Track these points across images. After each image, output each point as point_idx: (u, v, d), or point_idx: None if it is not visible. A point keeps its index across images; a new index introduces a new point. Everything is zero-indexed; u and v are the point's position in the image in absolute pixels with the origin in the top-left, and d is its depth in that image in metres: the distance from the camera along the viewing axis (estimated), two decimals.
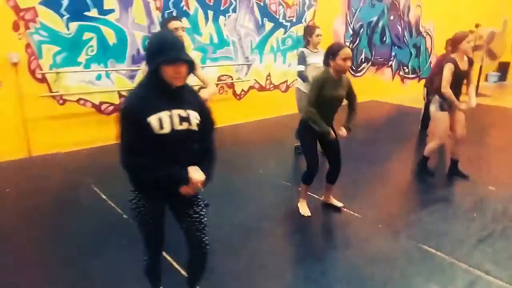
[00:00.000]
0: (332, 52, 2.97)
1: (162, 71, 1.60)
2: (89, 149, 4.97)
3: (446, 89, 3.87)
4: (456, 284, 2.50)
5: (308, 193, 3.50)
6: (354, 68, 7.96)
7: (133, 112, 1.63)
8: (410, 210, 3.63)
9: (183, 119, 1.69)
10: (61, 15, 4.57)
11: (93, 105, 5.07)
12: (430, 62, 9.58)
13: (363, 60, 8.15)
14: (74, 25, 4.67)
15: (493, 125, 6.85)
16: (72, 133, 4.91)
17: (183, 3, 5.50)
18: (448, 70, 3.85)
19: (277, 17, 6.52)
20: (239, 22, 6.10)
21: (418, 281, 2.53)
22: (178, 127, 1.68)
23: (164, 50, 1.58)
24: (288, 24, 6.70)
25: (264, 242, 3.01)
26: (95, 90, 5.01)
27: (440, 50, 9.20)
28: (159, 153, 1.68)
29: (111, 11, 4.92)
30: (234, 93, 6.38)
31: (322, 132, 3.09)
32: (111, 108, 5.22)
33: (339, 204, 3.53)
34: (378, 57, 8.37)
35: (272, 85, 6.81)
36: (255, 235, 3.10)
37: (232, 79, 6.26)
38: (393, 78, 9.03)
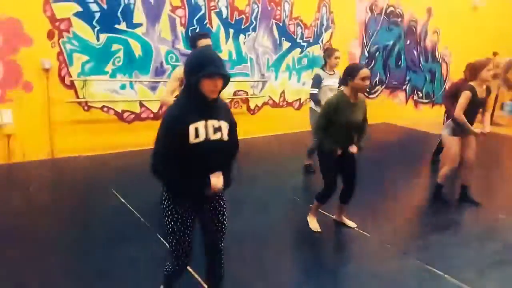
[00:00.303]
0: (351, 72, 3.03)
1: (201, 85, 1.73)
2: (109, 154, 5.16)
3: (459, 115, 3.95)
4: None
5: (319, 210, 3.59)
6: (368, 90, 8.08)
7: (174, 121, 1.75)
8: (419, 233, 3.69)
9: (216, 130, 1.83)
10: (93, 27, 4.83)
11: (116, 113, 5.28)
12: (445, 89, 9.65)
13: (377, 82, 8.27)
14: (103, 37, 4.93)
15: (506, 154, 6.86)
16: (95, 138, 5.11)
17: (206, 20, 5.73)
18: (465, 98, 3.92)
19: (295, 37, 6.72)
20: (258, 41, 6.31)
21: None
22: (212, 137, 1.81)
23: (205, 65, 1.71)
24: (305, 44, 6.89)
25: (272, 253, 3.11)
26: (119, 99, 5.22)
27: (455, 76, 9.31)
28: (193, 161, 1.80)
29: (139, 25, 5.17)
30: (248, 108, 6.55)
31: (330, 148, 3.17)
32: (132, 116, 5.43)
33: (352, 224, 3.58)
34: (392, 81, 8.49)
35: (285, 102, 6.97)
36: (263, 245, 3.20)
37: (247, 95, 6.44)
38: (406, 102, 9.11)
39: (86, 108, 5.04)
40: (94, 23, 4.83)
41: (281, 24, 6.48)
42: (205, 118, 1.79)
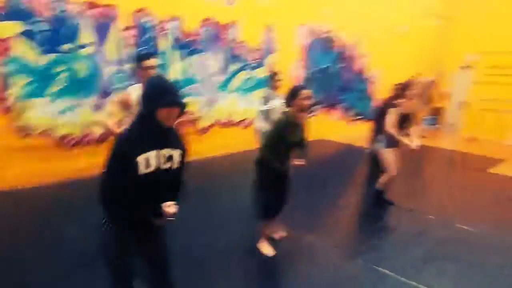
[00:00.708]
0: (294, 93, 3.19)
1: (158, 114, 1.76)
2: (51, 183, 4.81)
3: (390, 128, 4.43)
4: None
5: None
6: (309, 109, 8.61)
7: (124, 152, 1.76)
8: (364, 236, 4.09)
9: (168, 159, 1.86)
10: (35, 47, 4.67)
11: (57, 138, 5.06)
12: (372, 106, 10.58)
13: (316, 102, 8.86)
14: (47, 57, 4.78)
15: (429, 163, 7.71)
16: (34, 166, 4.79)
17: (155, 41, 5.82)
18: (392, 113, 4.44)
19: (241, 59, 7.03)
20: (206, 62, 6.51)
21: None
22: (163, 166, 1.84)
23: (163, 94, 1.75)
24: (251, 66, 7.23)
25: (226, 267, 3.26)
26: (61, 123, 5.03)
27: (383, 95, 10.25)
28: (141, 189, 1.82)
29: (86, 45, 5.10)
30: (197, 128, 6.66)
31: (279, 170, 3.25)
32: (74, 141, 5.24)
33: (280, 235, 3.75)
34: (329, 100, 9.16)
35: (234, 122, 7.20)
36: (217, 260, 3.35)
37: (196, 115, 6.56)
38: (341, 119, 9.84)
39: (24, 134, 4.76)
40: (36, 43, 4.68)
41: (228, 47, 6.76)
42: (158, 148, 1.82)
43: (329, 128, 9.03)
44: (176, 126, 1.94)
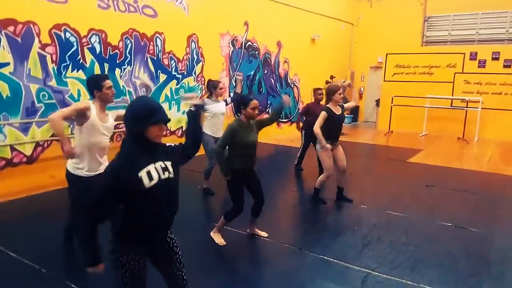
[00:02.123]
0: (243, 103, 3.63)
1: (147, 131, 1.86)
2: None
3: (317, 129, 4.75)
4: (354, 282, 3.21)
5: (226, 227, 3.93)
6: (238, 115, 8.85)
7: (123, 171, 1.81)
8: (308, 230, 4.37)
9: (164, 169, 1.94)
10: None
11: None
12: (298, 109, 11.20)
13: (235, 111, 9.14)
14: None
15: (355, 157, 8.38)
16: None
17: (79, 56, 5.59)
18: (321, 117, 4.77)
19: (170, 70, 7.03)
20: (134, 74, 6.40)
21: (328, 286, 3.17)
22: (163, 176, 1.92)
23: (152, 113, 1.86)
24: (180, 76, 7.26)
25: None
26: None
27: (305, 98, 10.92)
28: (151, 205, 1.90)
29: (5, 64, 4.75)
30: None
31: (223, 172, 3.64)
32: (2, 163, 4.86)
33: (264, 234, 3.99)
34: (259, 106, 9.52)
35: (168, 131, 7.16)
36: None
37: None
38: None
39: None
40: None
41: (155, 58, 6.71)
42: (153, 162, 1.91)
43: (260, 132, 9.35)
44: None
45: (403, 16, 12.55)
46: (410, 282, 3.19)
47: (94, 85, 3.12)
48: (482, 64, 10.77)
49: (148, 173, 1.87)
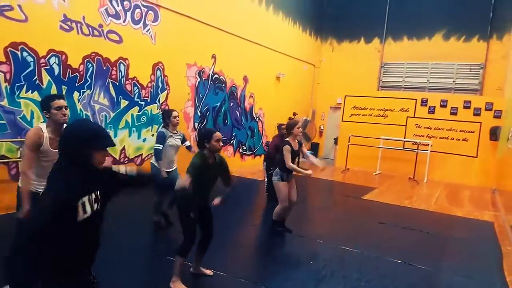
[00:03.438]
0: (206, 136, 3.41)
1: (91, 156, 1.74)
2: None
3: (289, 164, 4.87)
4: None
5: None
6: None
7: (64, 199, 1.66)
8: (264, 264, 4.32)
9: (95, 200, 1.79)
10: None
11: None
12: (262, 142, 11.34)
13: (199, 143, 9.13)
14: None
15: (312, 192, 8.51)
16: None
17: (36, 77, 5.40)
18: (286, 151, 4.90)
19: (132, 96, 6.94)
20: (93, 98, 6.25)
21: None
22: (95, 208, 1.78)
23: (98, 138, 1.76)
24: (143, 103, 7.17)
25: None
26: None
27: (269, 132, 11.11)
28: (80, 238, 1.76)
29: None
30: None
31: (191, 211, 3.43)
32: None
33: (209, 272, 3.80)
34: (223, 137, 9.54)
35: (126, 159, 6.95)
36: None
37: None
38: (234, 154, 10.28)
39: None
40: None
41: (117, 84, 6.61)
42: (88, 191, 1.77)
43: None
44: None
45: (362, 61, 13.33)
46: None
47: (43, 105, 2.99)
48: (431, 110, 11.53)
49: (83, 204, 1.73)
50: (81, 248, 1.80)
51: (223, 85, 9.45)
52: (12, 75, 5.12)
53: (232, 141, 10.13)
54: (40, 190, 2.80)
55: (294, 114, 12.12)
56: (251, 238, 5.36)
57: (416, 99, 11.72)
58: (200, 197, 3.50)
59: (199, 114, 8.74)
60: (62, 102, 2.98)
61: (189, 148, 5.22)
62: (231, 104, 9.85)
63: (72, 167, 1.73)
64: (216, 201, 3.56)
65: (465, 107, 11.10)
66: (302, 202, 7.16)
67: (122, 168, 2.11)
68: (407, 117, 11.75)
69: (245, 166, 10.49)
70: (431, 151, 10.99)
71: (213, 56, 8.94)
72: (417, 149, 11.07)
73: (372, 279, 4.02)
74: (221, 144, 3.50)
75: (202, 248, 3.71)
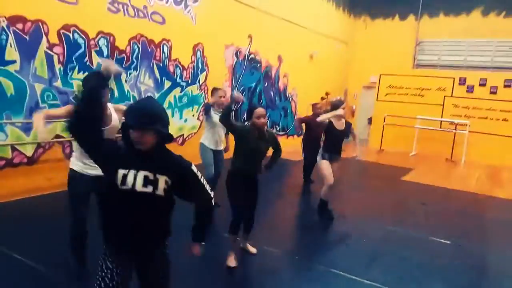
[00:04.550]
0: (249, 111, 3.55)
1: (128, 133, 1.73)
2: None
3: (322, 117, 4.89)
4: None
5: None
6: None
7: (108, 154, 1.76)
8: (316, 242, 4.40)
9: (148, 182, 1.72)
10: None
11: None
12: (295, 121, 11.33)
13: (245, 119, 9.20)
14: None
15: (352, 173, 8.48)
16: None
17: (86, 58, 5.55)
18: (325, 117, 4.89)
19: (174, 77, 7.04)
20: (139, 79, 6.39)
21: None
22: (141, 188, 1.72)
23: (127, 115, 1.74)
24: (185, 84, 7.27)
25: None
26: None
27: (302, 112, 11.06)
28: (117, 209, 1.76)
29: (12, 62, 4.67)
30: None
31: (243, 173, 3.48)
32: (2, 162, 4.74)
33: (253, 250, 3.82)
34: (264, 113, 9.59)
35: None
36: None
37: None
38: None
39: None
40: None
41: (161, 65, 6.71)
42: (136, 168, 1.72)
43: None
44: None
45: (396, 38, 12.93)
46: None
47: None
48: (470, 89, 11.16)
49: (124, 176, 1.71)
50: (119, 223, 1.78)
51: (259, 65, 9.42)
52: (65, 56, 5.28)
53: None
54: (90, 173, 2.80)
55: (327, 93, 12.04)
56: (294, 216, 5.45)
57: (454, 78, 11.36)
58: (244, 166, 3.47)
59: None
60: None
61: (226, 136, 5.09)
62: (266, 84, 9.83)
63: (122, 139, 1.78)
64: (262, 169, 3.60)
65: (505, 86, 10.69)
66: (341, 182, 7.19)
67: (202, 182, 1.92)
68: (444, 96, 11.43)
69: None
70: (469, 131, 10.70)
71: (249, 36, 8.88)
72: (455, 129, 10.80)
73: (424, 259, 4.05)
74: (263, 120, 3.43)
75: (245, 230, 3.72)
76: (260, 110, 3.44)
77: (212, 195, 1.97)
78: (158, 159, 1.77)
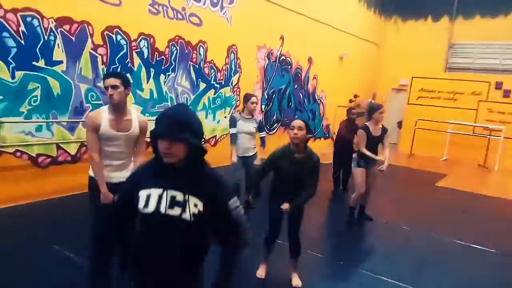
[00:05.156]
0: (288, 124, 3.18)
1: (156, 145, 1.49)
2: (27, 204, 4.51)
3: (362, 149, 4.74)
4: None
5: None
6: (268, 128, 8.88)
7: (129, 182, 1.63)
8: (357, 249, 4.34)
9: (176, 203, 1.47)
10: (8, 63, 4.28)
11: (30, 157, 4.66)
12: (322, 125, 11.23)
13: (274, 120, 9.18)
14: (19, 74, 4.40)
15: (381, 177, 8.34)
16: (7, 187, 4.40)
17: (128, 59, 5.64)
18: (361, 136, 4.76)
19: (209, 79, 7.08)
20: (177, 81, 6.45)
21: None
22: (166, 210, 1.47)
23: (156, 123, 1.49)
24: (218, 85, 7.30)
25: None
26: (34, 142, 4.64)
27: (329, 115, 10.97)
28: (138, 236, 1.56)
29: (59, 62, 4.79)
30: None
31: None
32: (48, 160, 4.86)
33: (297, 283, 3.31)
34: (286, 119, 9.54)
35: (203, 140, 7.15)
36: None
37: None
38: None
39: None
40: (9, 59, 4.29)
41: (197, 67, 6.76)
42: (164, 186, 1.49)
43: None
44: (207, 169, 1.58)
45: (428, 41, 12.65)
46: None
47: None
48: (506, 94, 10.82)
49: (147, 196, 1.50)
50: (144, 250, 1.53)
51: (289, 66, 9.38)
52: (108, 57, 5.38)
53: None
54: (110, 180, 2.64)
55: (355, 96, 11.89)
56: (326, 222, 5.39)
57: (489, 82, 11.03)
58: (281, 191, 3.18)
59: (266, 96, 8.76)
60: (109, 82, 2.60)
61: (262, 141, 5.02)
62: (295, 86, 9.78)
63: (154, 155, 1.54)
64: (285, 206, 3.10)
65: None
66: (376, 188, 7.08)
67: (241, 218, 1.59)
68: (479, 101, 11.12)
69: None
70: (504, 137, 10.37)
71: (281, 37, 8.85)
72: (489, 135, 10.49)
73: (470, 269, 3.94)
74: (296, 132, 3.03)
75: (289, 247, 3.36)
76: (297, 122, 3.08)
77: (247, 238, 1.60)
78: (190, 176, 1.49)
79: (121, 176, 2.64)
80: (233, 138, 4.79)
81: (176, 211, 1.46)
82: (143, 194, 1.49)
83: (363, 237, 4.80)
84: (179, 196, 1.46)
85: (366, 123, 4.91)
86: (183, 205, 1.45)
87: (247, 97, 4.86)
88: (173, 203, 1.46)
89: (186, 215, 1.45)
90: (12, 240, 3.62)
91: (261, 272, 3.43)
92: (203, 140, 1.55)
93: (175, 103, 6.36)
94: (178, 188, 1.47)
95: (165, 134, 1.44)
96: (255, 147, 4.95)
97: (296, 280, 3.32)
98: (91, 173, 2.72)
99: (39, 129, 4.71)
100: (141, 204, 1.48)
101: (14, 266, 3.16)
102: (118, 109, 2.63)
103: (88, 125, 2.66)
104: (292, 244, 3.32)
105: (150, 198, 1.48)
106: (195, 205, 1.46)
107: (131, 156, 2.79)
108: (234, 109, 7.72)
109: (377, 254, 4.19)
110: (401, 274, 3.66)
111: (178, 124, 1.45)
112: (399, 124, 12.54)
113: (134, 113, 2.76)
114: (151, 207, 1.47)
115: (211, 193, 1.50)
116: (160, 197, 1.47)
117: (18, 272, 3.10)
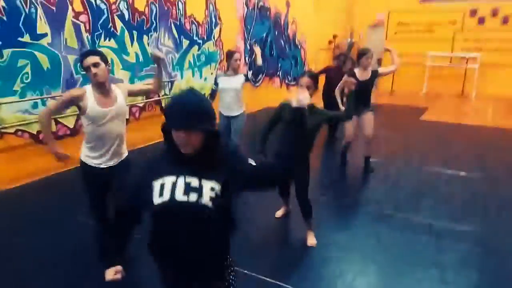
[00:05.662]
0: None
1: (171, 134, 1.42)
2: (35, 182, 4.59)
3: (335, 92, 4.88)
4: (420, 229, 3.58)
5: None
6: (254, 80, 8.89)
7: (141, 174, 1.55)
8: (361, 189, 4.67)
9: (191, 189, 1.42)
10: None
11: (31, 135, 4.66)
12: (305, 72, 11.27)
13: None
14: (7, 52, 4.27)
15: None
16: (13, 167, 4.45)
17: (110, 24, 5.47)
18: (342, 81, 4.73)
19: (191, 34, 6.95)
20: (160, 41, 6.32)
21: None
22: (181, 197, 1.42)
23: (169, 113, 1.42)
24: (201, 41, 7.19)
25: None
26: (33, 120, 4.61)
27: (310, 60, 10.99)
28: (157, 230, 1.52)
29: (44, 35, 4.63)
30: (162, 108, 6.55)
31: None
32: None
33: (311, 242, 3.31)
34: (270, 69, 9.55)
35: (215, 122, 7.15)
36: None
37: (159, 96, 6.43)
38: (281, 86, 10.36)
39: None
40: None
41: (178, 23, 6.60)
42: (177, 173, 1.44)
43: (272, 95, 9.45)
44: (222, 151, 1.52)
45: None
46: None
47: (80, 65, 2.61)
48: (481, 21, 11.02)
49: (161, 185, 1.44)
50: (162, 242, 1.52)
51: (268, 13, 9.20)
52: (91, 24, 5.21)
53: (278, 72, 10.13)
54: (100, 165, 2.63)
55: (334, 36, 11.89)
56: (328, 169, 5.73)
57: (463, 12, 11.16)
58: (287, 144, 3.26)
59: (248, 47, 8.68)
60: (89, 60, 2.49)
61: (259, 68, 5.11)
62: (276, 33, 9.67)
63: (166, 144, 1.49)
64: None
65: None
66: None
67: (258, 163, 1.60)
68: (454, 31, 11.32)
69: (291, 97, 10.59)
70: (480, 64, 10.73)
71: None
72: (466, 63, 10.83)
73: (466, 197, 4.36)
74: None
75: (301, 210, 3.35)
76: (304, 79, 3.17)
77: (284, 168, 1.70)
78: (204, 160, 1.44)
79: (118, 160, 2.71)
80: (213, 94, 4.87)
81: (192, 197, 1.41)
82: (156, 184, 1.44)
83: (358, 179, 5.09)
84: (194, 182, 1.42)
85: (355, 70, 4.83)
86: (199, 190, 1.41)
87: (230, 54, 4.71)
88: (188, 189, 1.41)
89: (204, 200, 1.41)
90: (39, 209, 3.78)
91: (280, 213, 3.79)
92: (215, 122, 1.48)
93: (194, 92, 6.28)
94: (192, 174, 1.43)
95: (185, 126, 1.36)
96: (241, 107, 4.82)
97: (311, 240, 3.30)
98: (82, 157, 2.67)
99: (35, 106, 4.66)
100: (155, 194, 1.43)
101: (42, 230, 3.33)
102: (104, 87, 2.56)
103: (65, 94, 2.60)
104: (300, 206, 3.30)
105: (164, 187, 1.43)
106: (212, 189, 1.42)
107: (124, 142, 2.77)
108: (219, 64, 7.68)
109: (379, 189, 4.54)
110: (401, 206, 4.05)
111: (197, 115, 1.37)
112: (379, 62, 12.68)
113: (115, 87, 2.70)
114: (166, 196, 1.42)
115: (229, 170, 1.46)
116: (174, 184, 1.42)
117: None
